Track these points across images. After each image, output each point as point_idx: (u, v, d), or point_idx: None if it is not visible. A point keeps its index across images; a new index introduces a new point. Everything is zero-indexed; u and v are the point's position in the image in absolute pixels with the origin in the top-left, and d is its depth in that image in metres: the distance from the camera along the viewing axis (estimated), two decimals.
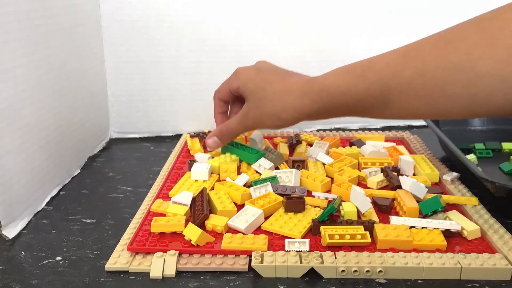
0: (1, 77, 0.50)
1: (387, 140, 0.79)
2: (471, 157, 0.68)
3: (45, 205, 0.59)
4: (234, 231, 0.49)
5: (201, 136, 0.76)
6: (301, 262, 0.44)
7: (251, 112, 0.57)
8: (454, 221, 0.49)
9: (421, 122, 0.88)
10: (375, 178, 0.61)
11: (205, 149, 0.75)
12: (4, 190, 0.50)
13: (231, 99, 0.64)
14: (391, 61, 0.47)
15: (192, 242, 0.46)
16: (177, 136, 0.85)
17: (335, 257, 0.44)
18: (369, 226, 0.48)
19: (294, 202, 0.52)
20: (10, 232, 0.51)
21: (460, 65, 0.41)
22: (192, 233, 0.47)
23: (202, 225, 0.50)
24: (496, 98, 0.41)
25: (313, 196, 0.57)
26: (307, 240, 0.46)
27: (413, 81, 0.44)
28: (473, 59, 0.41)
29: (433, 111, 0.45)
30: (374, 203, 0.55)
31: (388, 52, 0.48)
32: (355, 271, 0.43)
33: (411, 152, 0.73)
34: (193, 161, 0.67)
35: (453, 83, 0.42)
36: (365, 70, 0.48)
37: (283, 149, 0.72)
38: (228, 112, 0.66)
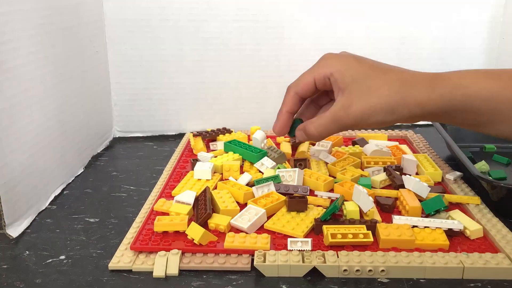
0: (5, 76, 0.51)
1: (390, 139, 0.79)
2: (482, 164, 0.67)
3: (49, 204, 0.59)
4: (237, 230, 0.50)
5: (204, 135, 0.76)
6: (303, 261, 0.44)
7: (354, 106, 0.46)
8: (457, 221, 0.49)
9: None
10: (378, 177, 0.61)
11: (208, 148, 0.75)
12: (8, 189, 0.50)
13: (314, 94, 0.52)
14: None
15: (195, 241, 0.47)
16: (180, 135, 0.85)
17: (338, 257, 0.44)
18: (371, 226, 0.48)
19: (296, 202, 0.52)
20: (14, 231, 0.51)
21: None
22: (195, 232, 0.47)
23: (205, 224, 0.50)
24: None
25: (316, 196, 0.57)
26: (309, 240, 0.47)
27: None
28: None
29: None
30: (377, 202, 0.55)
31: None
32: (357, 270, 0.43)
33: (414, 151, 0.73)
34: (196, 160, 0.67)
35: None
36: None
37: (286, 148, 0.72)
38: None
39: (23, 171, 0.54)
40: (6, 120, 0.51)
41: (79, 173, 0.69)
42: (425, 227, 0.48)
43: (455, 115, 0.46)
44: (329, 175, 0.62)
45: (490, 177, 0.63)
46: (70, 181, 0.66)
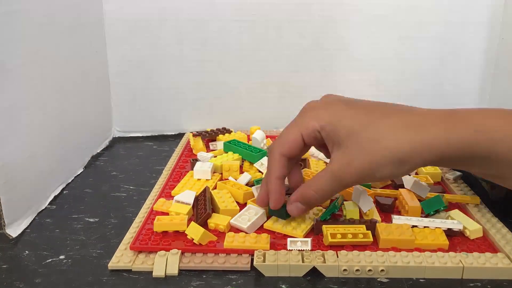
0: (5, 76, 0.50)
1: None
2: None
3: (49, 204, 0.59)
4: (237, 230, 0.50)
5: (203, 135, 0.76)
6: (303, 261, 0.44)
7: (354, 163, 0.40)
8: (456, 220, 0.49)
9: None
10: None
11: (207, 148, 0.75)
12: (7, 189, 0.50)
13: (303, 152, 0.47)
14: None
15: (195, 241, 0.47)
16: (180, 135, 0.85)
17: (337, 256, 0.44)
18: (371, 225, 0.48)
19: None
20: (14, 231, 0.51)
21: None
22: (195, 232, 0.47)
23: (204, 224, 0.50)
24: None
25: None
26: (309, 239, 0.47)
27: None
28: None
29: None
30: (376, 202, 0.55)
31: None
32: (357, 270, 0.43)
33: None
34: (195, 160, 0.67)
35: None
36: None
37: None
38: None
39: (23, 171, 0.54)
40: (6, 120, 0.51)
41: (78, 173, 0.69)
42: (425, 227, 0.48)
43: (475, 162, 0.39)
44: None
45: None
46: (70, 181, 0.66)
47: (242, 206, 0.54)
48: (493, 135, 0.37)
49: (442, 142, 0.38)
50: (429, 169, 0.62)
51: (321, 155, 0.67)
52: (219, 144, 0.74)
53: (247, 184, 0.59)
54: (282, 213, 0.49)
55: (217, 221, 0.50)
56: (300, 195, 0.45)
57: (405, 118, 0.40)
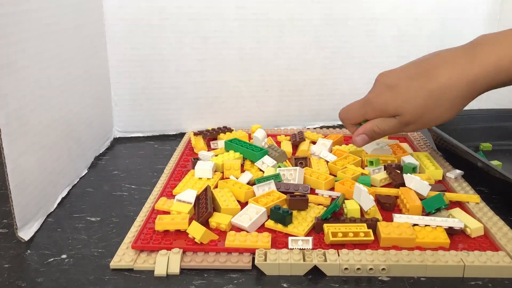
0: (14, 77, 0.50)
1: (390, 137, 0.79)
2: (496, 163, 0.66)
3: None
4: (238, 229, 0.50)
5: (204, 134, 0.76)
6: (304, 260, 0.44)
7: (410, 127, 0.55)
8: (457, 219, 0.49)
9: None
10: (378, 175, 0.61)
11: (208, 147, 0.75)
12: (19, 192, 0.50)
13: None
14: None
15: (196, 240, 0.47)
16: (181, 135, 0.85)
17: (338, 255, 0.45)
18: (372, 224, 0.48)
19: (297, 200, 0.53)
20: (26, 234, 0.51)
21: None
22: (196, 231, 0.47)
23: (206, 223, 0.50)
24: None
25: (317, 194, 0.57)
26: (310, 238, 0.47)
27: None
28: None
29: None
30: (377, 200, 0.55)
31: None
32: (358, 269, 0.43)
33: (414, 149, 0.73)
34: (196, 159, 0.67)
35: None
36: None
37: (287, 146, 0.72)
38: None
39: (32, 173, 0.54)
40: (16, 121, 0.50)
41: (83, 174, 0.69)
42: (426, 225, 0.48)
43: (508, 83, 0.48)
44: (330, 174, 0.62)
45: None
46: (76, 182, 0.66)
47: (243, 205, 0.54)
48: (510, 69, 0.46)
49: (470, 92, 0.49)
50: (431, 168, 0.62)
51: (322, 154, 0.67)
52: (220, 143, 0.74)
53: (248, 183, 0.59)
54: (283, 219, 0.49)
55: (218, 220, 0.50)
56: (368, 129, 0.57)
57: (433, 85, 0.50)
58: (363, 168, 0.64)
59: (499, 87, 0.49)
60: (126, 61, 0.82)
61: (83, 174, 0.69)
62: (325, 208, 0.53)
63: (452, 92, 0.49)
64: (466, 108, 0.54)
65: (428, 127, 0.56)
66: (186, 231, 0.48)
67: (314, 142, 0.74)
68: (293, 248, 0.46)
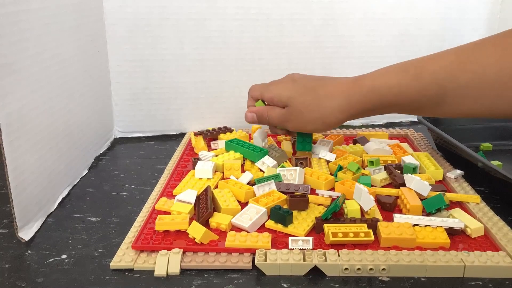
0: (15, 77, 0.50)
1: (391, 137, 0.79)
2: (496, 163, 0.66)
3: None
4: (238, 229, 0.50)
5: (205, 134, 0.76)
6: (304, 260, 0.44)
7: (291, 119, 0.59)
8: (458, 219, 0.49)
9: None
10: (378, 175, 0.61)
11: (209, 147, 0.75)
12: (19, 192, 0.50)
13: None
14: (447, 63, 0.48)
15: (196, 240, 0.47)
16: (181, 135, 0.85)
17: (338, 255, 0.45)
18: (372, 224, 0.48)
19: (297, 200, 0.53)
20: (26, 234, 0.51)
21: None
22: (196, 231, 0.47)
23: (206, 223, 0.50)
24: None
25: (317, 194, 0.57)
26: (310, 238, 0.47)
27: (470, 85, 0.45)
28: None
29: (489, 113, 0.47)
30: (378, 201, 0.55)
31: (440, 53, 0.50)
32: (358, 269, 0.43)
33: (415, 149, 0.73)
34: (197, 159, 0.67)
35: None
36: (419, 72, 0.49)
37: (287, 146, 0.72)
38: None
39: (32, 173, 0.54)
40: (17, 121, 0.50)
41: (84, 174, 0.69)
42: (426, 225, 0.48)
43: (382, 110, 0.54)
44: (330, 174, 0.62)
45: None
46: (76, 182, 0.66)
47: (243, 205, 0.54)
48: (380, 92, 0.52)
49: (345, 107, 0.55)
50: (431, 168, 0.62)
51: (323, 154, 0.67)
52: (220, 143, 0.74)
53: (248, 183, 0.59)
54: (283, 219, 0.49)
55: (218, 220, 0.50)
56: (261, 113, 0.63)
57: (325, 91, 0.57)
58: (363, 168, 0.64)
59: (373, 112, 0.55)
60: (126, 61, 0.82)
61: (84, 174, 0.69)
62: (326, 208, 0.53)
63: (332, 101, 0.56)
64: None
65: (305, 131, 0.61)
66: (186, 231, 0.48)
67: (314, 142, 0.74)
68: (293, 248, 0.46)
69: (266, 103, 0.64)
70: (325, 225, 0.48)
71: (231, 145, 0.69)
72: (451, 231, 0.48)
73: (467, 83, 0.46)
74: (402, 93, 0.51)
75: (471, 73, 0.46)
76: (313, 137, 0.76)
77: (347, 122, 0.89)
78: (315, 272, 0.44)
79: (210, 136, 0.77)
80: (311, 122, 0.58)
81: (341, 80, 0.57)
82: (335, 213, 0.50)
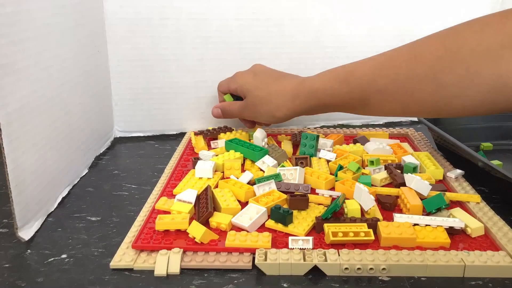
0: (15, 77, 0.50)
1: (391, 137, 0.79)
2: (497, 162, 0.66)
3: None
4: (238, 229, 0.50)
5: (205, 134, 0.76)
6: (304, 260, 0.44)
7: (247, 110, 0.68)
8: (458, 219, 0.49)
9: None
10: (379, 175, 0.61)
11: (209, 146, 0.75)
12: (20, 191, 0.50)
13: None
14: (369, 69, 0.54)
15: (196, 240, 0.47)
16: (182, 134, 0.85)
17: (339, 255, 0.45)
18: (372, 224, 0.48)
19: (297, 200, 0.53)
20: (26, 234, 0.51)
21: (425, 77, 0.48)
22: (196, 230, 0.47)
23: (206, 223, 0.50)
24: (456, 104, 0.48)
25: (317, 194, 0.57)
26: (310, 238, 0.47)
27: (387, 88, 0.52)
28: (436, 72, 0.47)
29: (406, 112, 0.53)
30: (378, 200, 0.55)
31: (367, 59, 0.56)
32: (359, 268, 0.43)
33: (415, 149, 0.73)
34: (197, 158, 0.67)
35: (420, 91, 0.49)
36: (347, 77, 0.56)
37: (287, 146, 0.72)
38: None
39: (33, 173, 0.53)
40: (17, 121, 0.50)
41: (84, 174, 0.69)
42: (426, 225, 0.48)
43: (322, 109, 0.61)
44: (330, 174, 0.62)
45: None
46: (76, 182, 0.66)
47: (243, 204, 0.54)
48: (317, 94, 0.59)
49: (291, 105, 0.62)
50: (431, 167, 0.62)
51: (323, 154, 0.67)
52: (220, 143, 0.74)
53: (248, 183, 0.59)
54: (283, 219, 0.49)
55: (218, 219, 0.50)
56: (224, 107, 0.72)
57: (276, 88, 0.64)
58: (364, 168, 0.64)
59: (315, 111, 0.63)
60: (127, 61, 0.82)
61: (84, 174, 0.69)
62: (326, 208, 0.53)
63: (280, 98, 0.63)
64: None
65: (259, 121, 0.70)
66: (187, 231, 0.48)
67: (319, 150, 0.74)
68: (293, 248, 0.46)
69: (233, 95, 0.72)
70: (325, 225, 0.48)
71: (231, 144, 0.69)
72: (451, 231, 0.48)
73: (385, 86, 0.52)
74: (335, 96, 0.57)
75: (387, 78, 0.52)
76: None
77: (347, 122, 0.90)
78: (315, 271, 0.44)
79: (210, 135, 0.77)
80: (262, 114, 0.65)
81: (292, 79, 0.64)
82: (335, 213, 0.50)
